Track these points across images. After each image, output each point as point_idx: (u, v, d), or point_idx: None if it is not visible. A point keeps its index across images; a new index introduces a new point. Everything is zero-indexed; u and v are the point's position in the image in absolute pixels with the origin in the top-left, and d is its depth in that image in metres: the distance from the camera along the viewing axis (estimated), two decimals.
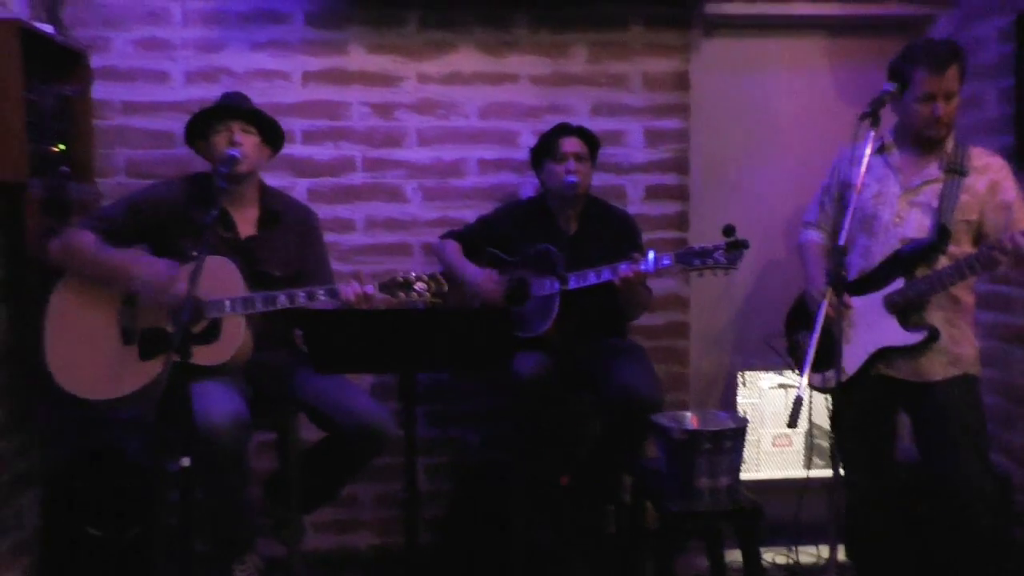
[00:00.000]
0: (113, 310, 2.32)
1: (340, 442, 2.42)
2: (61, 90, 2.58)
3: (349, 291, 2.30)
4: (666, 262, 2.44)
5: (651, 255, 2.44)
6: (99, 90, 2.80)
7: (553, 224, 2.82)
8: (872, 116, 2.06)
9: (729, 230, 2.39)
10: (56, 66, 2.58)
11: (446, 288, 2.34)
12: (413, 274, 2.33)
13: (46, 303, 2.32)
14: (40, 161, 2.42)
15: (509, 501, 2.74)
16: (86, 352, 2.30)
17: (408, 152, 3.02)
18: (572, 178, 2.71)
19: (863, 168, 2.02)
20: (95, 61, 2.78)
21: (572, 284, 2.58)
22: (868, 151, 2.05)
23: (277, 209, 2.54)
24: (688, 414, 2.54)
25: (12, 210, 2.38)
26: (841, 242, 1.95)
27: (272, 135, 2.51)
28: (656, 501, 2.46)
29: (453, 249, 2.83)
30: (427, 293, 2.31)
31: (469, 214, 2.99)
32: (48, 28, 2.51)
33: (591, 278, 2.56)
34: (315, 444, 2.51)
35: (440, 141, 3.03)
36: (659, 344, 3.09)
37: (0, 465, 2.42)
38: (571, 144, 2.75)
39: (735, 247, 2.39)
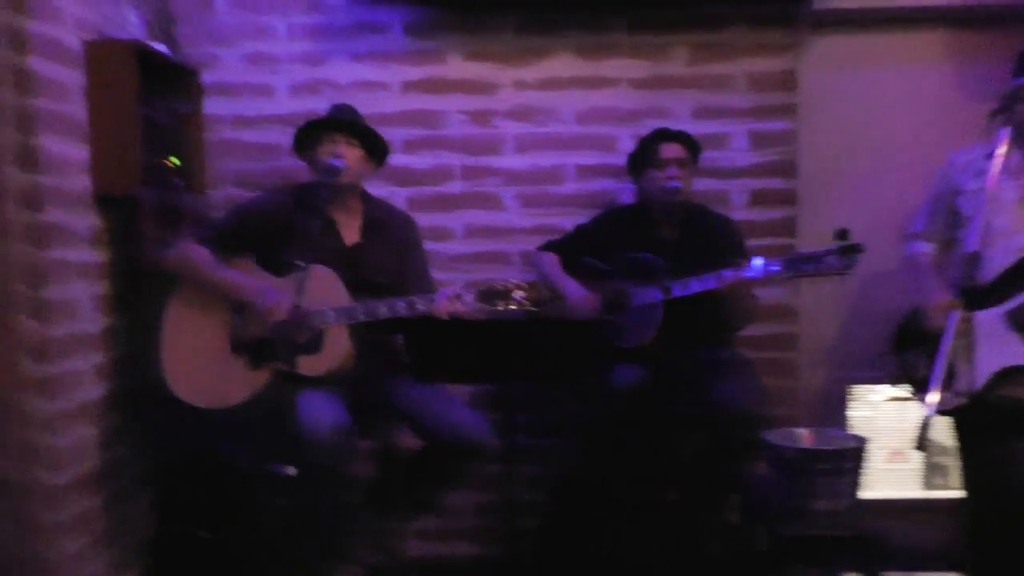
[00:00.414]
0: (224, 321, 2.38)
1: (439, 453, 2.41)
2: (175, 106, 2.68)
3: (444, 303, 2.30)
4: (775, 268, 2.34)
5: (758, 261, 2.34)
6: (210, 105, 2.90)
7: (653, 231, 2.74)
8: (1005, 113, 1.91)
9: (843, 233, 2.27)
10: (170, 83, 2.68)
11: (545, 295, 2.31)
12: (511, 282, 2.30)
13: (161, 312, 2.41)
14: (155, 174, 2.51)
15: (606, 515, 2.69)
16: (198, 361, 2.37)
17: (505, 160, 3.00)
18: (673, 184, 2.64)
19: (996, 169, 1.88)
20: (206, 77, 2.88)
21: (675, 293, 2.50)
22: (1002, 151, 1.90)
23: (380, 217, 2.56)
24: (802, 431, 2.42)
25: (128, 222, 2.49)
26: (971, 249, 1.82)
27: (375, 149, 2.53)
28: (767, 523, 2.36)
29: (550, 262, 2.79)
30: (526, 301, 2.29)
31: (567, 222, 2.95)
32: (163, 47, 2.62)
33: (694, 286, 2.47)
34: (415, 454, 2.52)
35: (537, 148, 3.00)
36: (765, 356, 2.97)
37: (118, 468, 2.52)
38: (671, 150, 2.68)
39: (849, 251, 2.27)
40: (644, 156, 2.72)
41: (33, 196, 2.14)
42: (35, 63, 2.12)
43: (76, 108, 2.32)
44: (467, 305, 2.29)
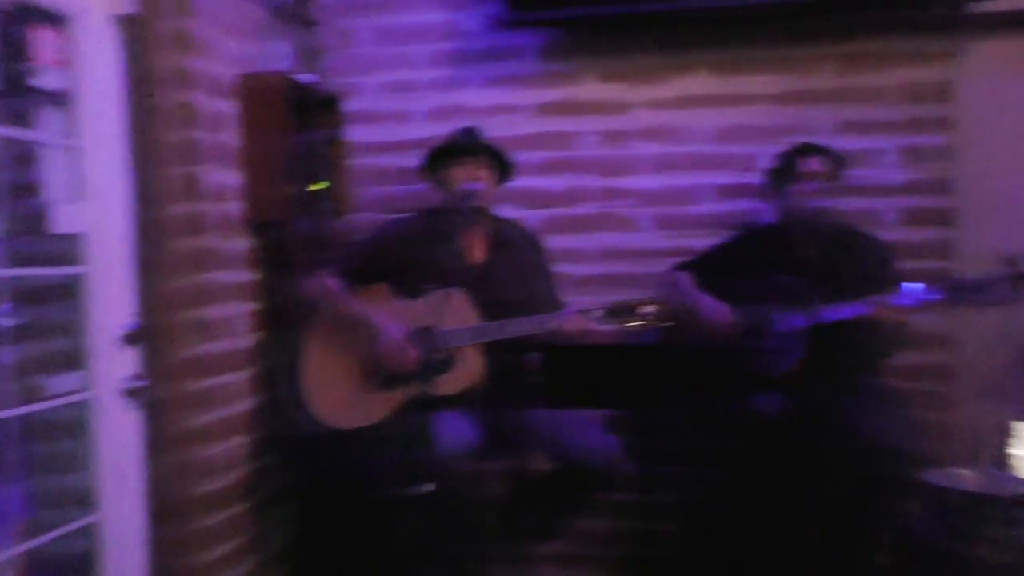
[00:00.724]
0: (359, 343, 2.45)
1: (570, 476, 2.39)
2: (320, 134, 2.80)
3: (573, 318, 2.28)
4: (936, 296, 2.18)
5: (915, 287, 2.19)
6: (352, 132, 3.02)
7: (793, 251, 2.62)
8: None
9: (1012, 261, 2.09)
10: (316, 112, 2.80)
11: (676, 311, 2.25)
12: (640, 298, 2.27)
13: (302, 333, 2.51)
14: (301, 201, 2.63)
15: (745, 549, 2.57)
16: (335, 382, 2.44)
17: (640, 180, 2.96)
18: (814, 200, 2.51)
19: None
20: (348, 105, 2.99)
21: (823, 318, 2.37)
22: None
23: (505, 237, 2.58)
24: (965, 472, 2.23)
25: (277, 247, 2.61)
26: None
27: (504, 170, 2.56)
28: (922, 569, 2.19)
29: (685, 281, 2.71)
30: (654, 317, 2.24)
31: (703, 243, 2.87)
32: (309, 78, 2.74)
33: (843, 312, 2.34)
34: (545, 476, 2.50)
35: (673, 168, 2.94)
36: (917, 387, 2.77)
37: (262, 479, 2.64)
38: (813, 163, 2.56)
39: (1019, 281, 2.08)
40: (783, 171, 2.61)
41: (194, 223, 2.29)
42: (196, 98, 2.27)
43: (230, 138, 2.47)
44: (595, 321, 2.27)
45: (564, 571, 3.01)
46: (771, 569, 2.56)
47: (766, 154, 2.82)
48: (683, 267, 2.76)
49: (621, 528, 2.93)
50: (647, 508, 2.12)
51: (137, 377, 2.22)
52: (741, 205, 2.91)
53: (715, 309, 2.56)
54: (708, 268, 2.72)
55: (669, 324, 2.25)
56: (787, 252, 2.62)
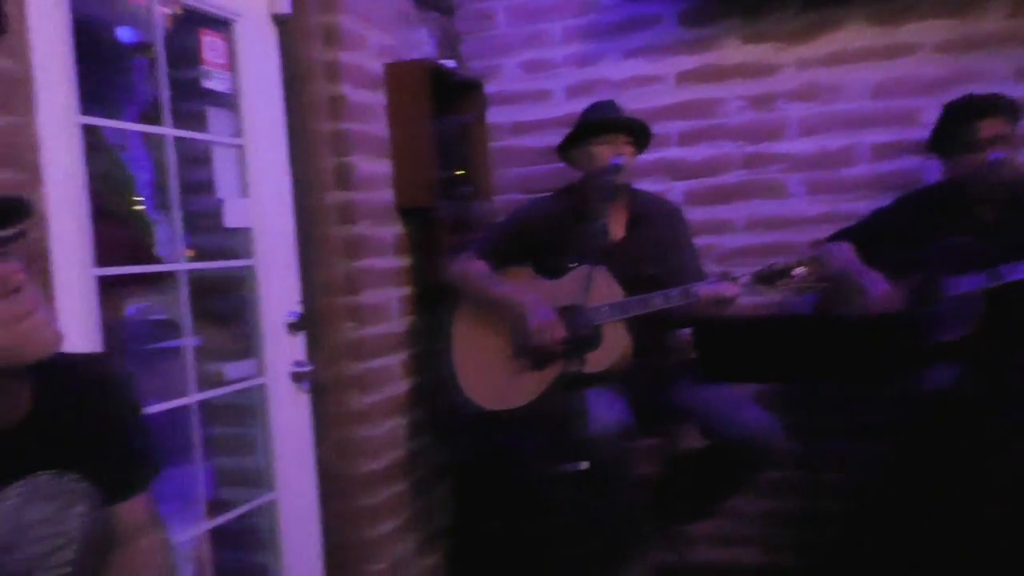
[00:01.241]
0: (506, 325, 2.47)
1: (726, 454, 2.32)
2: (461, 118, 2.84)
3: (718, 287, 2.21)
4: None
5: None
6: (493, 114, 3.04)
7: (968, 213, 2.41)
8: None
9: None
10: (458, 96, 2.84)
11: (831, 270, 2.13)
12: (792, 259, 2.16)
13: (452, 316, 2.56)
14: (446, 185, 2.68)
15: (916, 528, 2.42)
16: (485, 364, 2.48)
17: (789, 144, 2.82)
18: (996, 154, 2.29)
19: None
20: (488, 88, 3.02)
21: (1006, 278, 2.18)
22: None
23: (645, 209, 2.54)
24: None
25: (425, 232, 2.67)
26: None
27: (644, 142, 2.51)
28: None
29: (848, 251, 2.54)
30: (808, 279, 2.13)
31: (861, 207, 2.70)
32: (451, 63, 2.78)
33: None
34: (698, 453, 2.45)
35: (825, 129, 2.78)
36: None
37: (419, 460, 2.72)
38: (990, 127, 2.31)
39: None
40: (955, 136, 2.38)
41: (347, 211, 2.38)
42: (346, 90, 2.35)
43: (379, 127, 2.54)
44: (745, 288, 2.19)
45: (720, 551, 2.95)
46: (946, 551, 2.40)
47: (930, 107, 2.62)
48: (841, 236, 2.60)
49: (779, 508, 2.84)
50: (810, 487, 2.02)
51: (302, 362, 2.34)
52: (902, 165, 2.72)
53: (878, 285, 2.36)
54: (869, 235, 2.55)
55: (825, 285, 2.13)
56: (959, 214, 2.42)
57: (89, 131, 1.74)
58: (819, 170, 2.80)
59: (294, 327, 2.32)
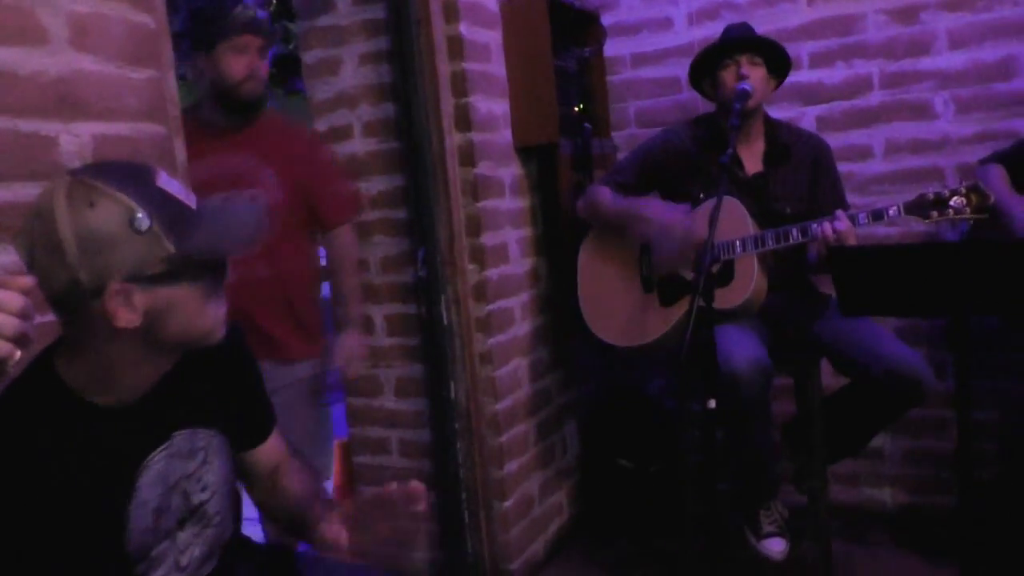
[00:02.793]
0: (632, 261, 2.42)
1: (870, 391, 2.21)
2: (580, 53, 2.76)
3: (862, 217, 2.08)
4: None
5: None
6: (609, 47, 2.94)
7: None
8: None
9: None
10: (575, 30, 2.76)
11: (991, 199, 1.95)
12: (946, 189, 1.99)
13: (576, 255, 2.53)
14: (566, 122, 2.63)
15: None
16: (612, 301, 2.45)
17: (937, 59, 2.59)
18: None
19: None
20: (605, 19, 2.92)
21: None
22: None
23: (785, 143, 2.39)
24: None
25: (548, 170, 2.64)
26: None
27: (777, 64, 2.36)
28: None
29: (997, 176, 2.33)
30: (966, 209, 1.96)
31: (1019, 125, 2.47)
32: None
33: None
34: (840, 392, 2.34)
35: (979, 40, 2.53)
36: None
37: (547, 398, 2.74)
38: None
39: None
40: None
41: (468, 152, 2.37)
42: (463, 29, 2.32)
43: (496, 67, 2.50)
44: (894, 218, 2.04)
45: (857, 491, 2.84)
46: None
47: None
48: (994, 158, 2.39)
49: (921, 447, 2.70)
50: (960, 426, 1.90)
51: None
52: None
53: None
54: None
55: (985, 217, 1.96)
56: None
57: None
58: (970, 86, 2.56)
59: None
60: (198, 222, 1.03)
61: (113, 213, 0.97)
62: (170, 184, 1.04)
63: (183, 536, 1.18)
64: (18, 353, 0.86)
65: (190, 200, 1.06)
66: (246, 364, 1.32)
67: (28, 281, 0.89)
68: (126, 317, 1.00)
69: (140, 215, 0.97)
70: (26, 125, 1.26)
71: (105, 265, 0.97)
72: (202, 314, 1.08)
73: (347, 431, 2.65)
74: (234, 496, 1.32)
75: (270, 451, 1.36)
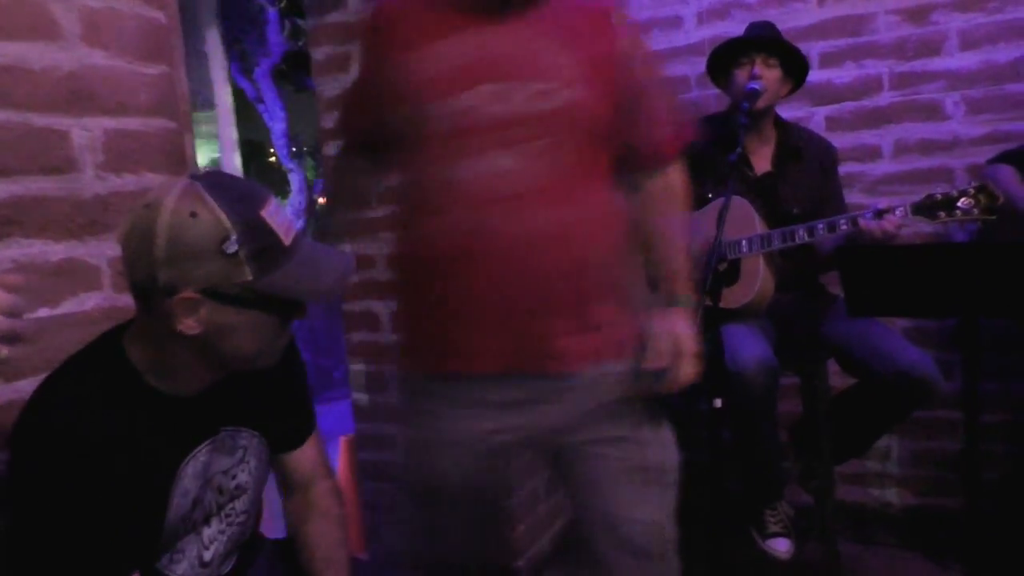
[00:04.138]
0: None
1: (877, 391, 2.21)
2: None
3: (872, 224, 2.06)
4: None
5: None
6: None
7: None
8: None
9: None
10: None
11: (1000, 200, 1.94)
12: (954, 190, 1.98)
13: None
14: None
15: None
16: None
17: (948, 60, 2.58)
18: None
19: None
20: None
21: None
22: None
23: (795, 144, 2.39)
24: None
25: None
26: None
27: (795, 67, 2.35)
28: None
29: (1007, 175, 2.33)
30: (974, 210, 1.95)
31: None
32: None
33: None
34: (847, 391, 2.34)
35: (991, 40, 2.52)
36: None
37: None
38: None
39: None
40: None
41: None
42: None
43: None
44: (898, 219, 2.03)
45: (863, 491, 2.84)
46: None
47: None
48: (1004, 158, 2.38)
49: (929, 448, 2.70)
50: (969, 428, 1.90)
51: None
52: None
53: None
54: None
55: (993, 218, 1.95)
56: None
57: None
58: (981, 87, 2.56)
59: None
60: (285, 260, 1.06)
61: (209, 229, 1.00)
62: (275, 215, 1.07)
63: (208, 531, 1.20)
64: (5, 351, 0.87)
65: (289, 235, 1.08)
66: (295, 366, 1.34)
67: (16, 279, 0.90)
68: (188, 324, 1.03)
69: (232, 238, 1.01)
70: (38, 119, 1.27)
71: (185, 272, 1.01)
72: (261, 343, 1.11)
73: (353, 427, 2.66)
74: (260, 501, 1.34)
75: (306, 458, 1.37)
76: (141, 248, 1.01)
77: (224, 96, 5.59)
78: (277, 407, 1.28)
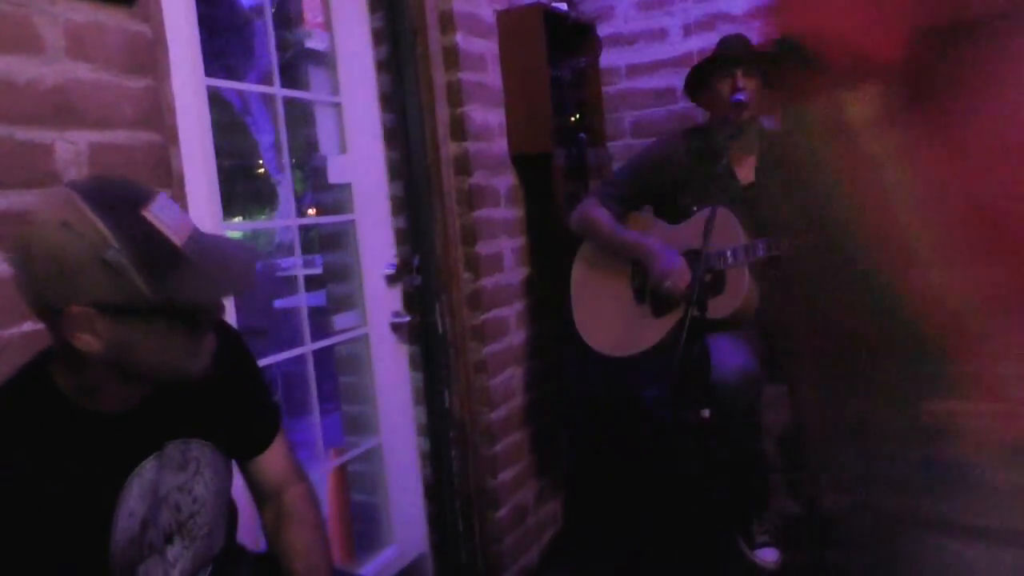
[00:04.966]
0: (625, 272, 2.43)
1: None
2: (575, 63, 2.77)
3: None
4: None
5: None
6: (605, 57, 2.95)
7: None
8: None
9: None
10: (570, 40, 2.78)
11: None
12: None
13: (570, 264, 2.53)
14: (561, 132, 2.63)
15: None
16: (605, 311, 2.45)
17: None
18: None
19: None
20: (601, 30, 2.93)
21: None
22: None
23: (777, 151, 2.41)
24: None
25: (543, 180, 2.64)
26: None
27: (773, 77, 2.37)
28: None
29: None
30: None
31: None
32: (562, 6, 2.71)
33: None
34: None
35: None
36: None
37: (541, 407, 2.74)
38: None
39: None
40: None
41: (463, 162, 2.38)
42: (459, 39, 2.33)
43: (492, 77, 2.51)
44: None
45: (851, 497, 2.84)
46: None
47: None
48: None
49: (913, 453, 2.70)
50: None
51: (400, 313, 2.39)
52: None
53: None
54: None
55: None
56: None
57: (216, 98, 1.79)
58: None
59: (392, 279, 2.37)
60: (179, 262, 0.97)
61: (84, 238, 0.93)
62: (164, 212, 0.99)
63: (172, 551, 1.16)
64: None
65: (181, 234, 0.99)
66: (244, 368, 1.29)
67: None
68: (85, 340, 0.97)
69: (112, 246, 0.93)
70: (22, 133, 1.27)
71: (68, 288, 0.94)
72: (173, 354, 1.03)
73: (343, 439, 2.65)
74: (228, 509, 1.31)
75: (273, 463, 1.33)
76: (23, 269, 0.96)
77: None
78: (229, 413, 1.23)
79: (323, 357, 2.29)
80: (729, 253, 2.24)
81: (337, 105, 2.26)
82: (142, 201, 0.98)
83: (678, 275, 2.25)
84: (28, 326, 1.26)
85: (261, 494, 1.35)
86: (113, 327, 0.97)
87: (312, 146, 2.41)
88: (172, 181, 1.52)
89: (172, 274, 0.96)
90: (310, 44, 2.32)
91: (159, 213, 0.98)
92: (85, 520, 1.05)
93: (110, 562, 1.08)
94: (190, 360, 1.05)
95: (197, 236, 1.02)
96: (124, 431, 1.08)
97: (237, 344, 1.28)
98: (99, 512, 1.06)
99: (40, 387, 1.04)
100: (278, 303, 5.53)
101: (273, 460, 1.33)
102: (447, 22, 2.31)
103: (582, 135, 2.69)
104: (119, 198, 0.98)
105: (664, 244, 2.32)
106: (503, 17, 2.50)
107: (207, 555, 1.24)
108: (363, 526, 2.54)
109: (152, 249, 0.96)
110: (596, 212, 2.44)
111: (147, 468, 1.11)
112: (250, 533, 1.56)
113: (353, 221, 2.30)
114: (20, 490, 0.98)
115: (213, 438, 1.20)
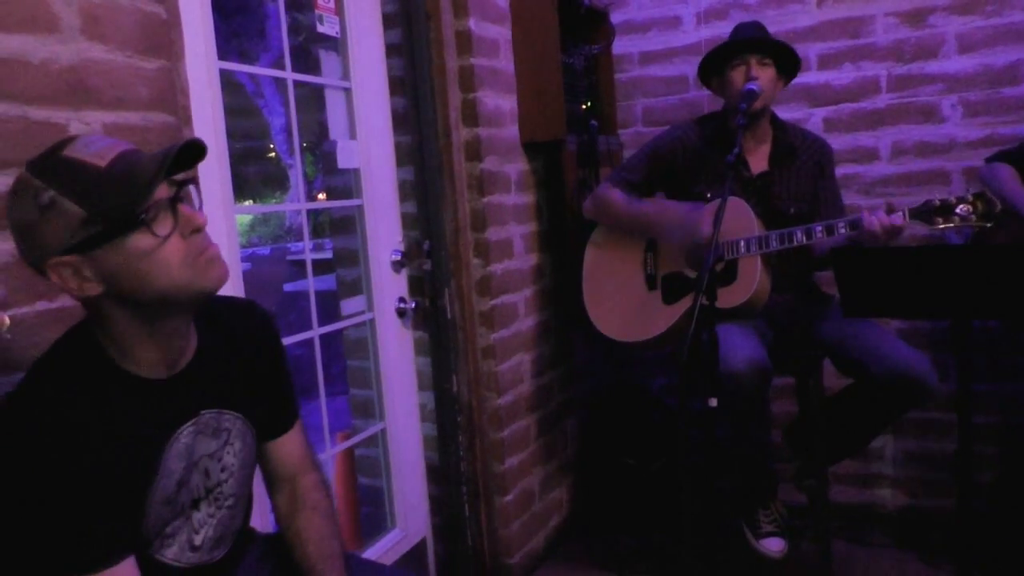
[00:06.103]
0: (637, 259, 2.43)
1: (871, 391, 2.21)
2: (588, 50, 2.76)
3: (874, 222, 2.05)
4: None
5: None
6: (618, 45, 2.94)
7: None
8: None
9: None
10: (583, 28, 2.76)
11: (998, 207, 1.94)
12: (952, 196, 1.98)
13: (581, 251, 2.53)
14: (573, 119, 2.63)
15: None
16: (616, 298, 2.45)
17: (945, 63, 2.59)
18: None
19: None
20: (614, 17, 2.92)
21: None
22: None
23: (791, 144, 2.39)
24: None
25: (554, 166, 2.64)
26: None
27: (787, 65, 2.35)
28: None
29: (1008, 175, 2.34)
30: (972, 216, 1.95)
31: None
32: None
33: None
34: (842, 392, 2.34)
35: (988, 44, 2.54)
36: None
37: (549, 394, 2.75)
38: None
39: None
40: None
41: (474, 147, 2.38)
42: (472, 24, 2.33)
43: (505, 63, 2.51)
44: (897, 227, 2.03)
45: (856, 492, 2.85)
46: None
47: None
48: (1001, 157, 2.39)
49: (921, 449, 2.71)
50: (962, 429, 1.90)
51: (405, 299, 2.39)
52: None
53: None
54: None
55: (990, 225, 1.95)
56: None
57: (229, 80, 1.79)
58: (978, 90, 2.57)
59: (398, 265, 2.38)
60: (108, 180, 0.99)
61: (25, 197, 0.99)
62: (83, 148, 1.01)
63: (198, 515, 1.20)
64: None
65: (107, 156, 1.01)
66: (272, 351, 1.32)
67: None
68: (82, 287, 1.01)
69: (41, 193, 0.98)
70: (36, 113, 1.27)
71: (37, 246, 1.00)
72: (167, 265, 1.03)
73: (350, 423, 2.67)
74: (248, 486, 1.33)
75: (290, 450, 1.36)
76: (15, 244, 1.04)
77: None
78: (259, 391, 1.27)
79: (331, 341, 2.29)
80: (742, 243, 2.23)
81: (347, 90, 2.26)
82: (62, 145, 1.02)
83: (701, 225, 2.23)
84: (42, 305, 1.28)
85: (275, 478, 1.38)
86: (94, 263, 1.00)
87: (324, 130, 2.41)
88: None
89: (108, 191, 0.99)
90: (321, 29, 2.31)
91: (81, 148, 1.01)
92: (128, 479, 1.08)
93: (144, 522, 1.11)
94: (189, 271, 1.05)
95: (127, 155, 1.03)
96: (167, 396, 1.12)
97: (268, 325, 1.31)
98: (142, 469, 1.10)
99: (86, 349, 1.08)
100: (288, 287, 5.55)
101: (291, 444, 1.36)
102: (460, 7, 2.30)
103: (594, 122, 2.68)
104: (43, 154, 1.02)
105: (678, 204, 2.32)
106: (516, 3, 2.49)
107: (229, 527, 1.27)
108: (367, 510, 2.56)
109: (77, 178, 0.99)
110: (611, 192, 2.43)
111: (185, 432, 1.15)
112: (257, 519, 1.57)
113: (360, 206, 2.31)
114: (76, 450, 1.01)
115: (244, 411, 1.24)
